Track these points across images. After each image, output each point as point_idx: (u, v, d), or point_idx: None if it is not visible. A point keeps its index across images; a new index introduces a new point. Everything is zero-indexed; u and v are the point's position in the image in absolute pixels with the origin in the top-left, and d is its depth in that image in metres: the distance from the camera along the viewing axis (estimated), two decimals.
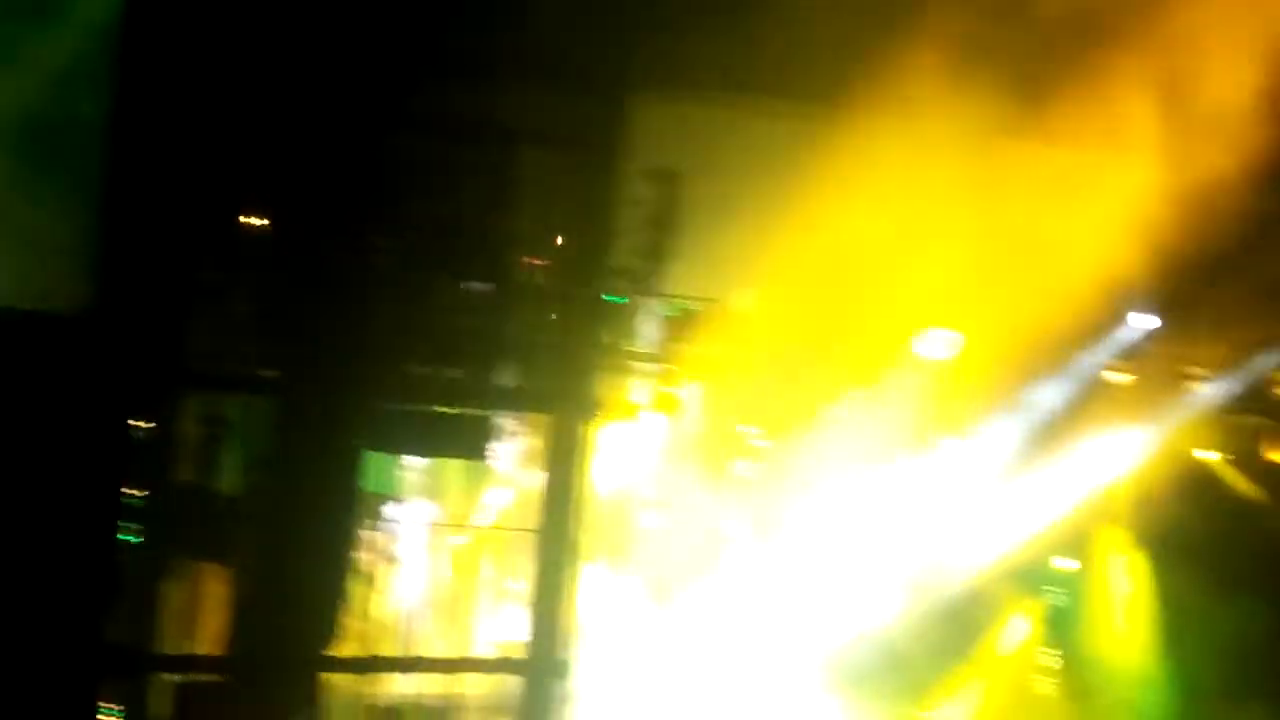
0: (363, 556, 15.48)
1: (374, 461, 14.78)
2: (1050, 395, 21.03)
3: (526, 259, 15.06)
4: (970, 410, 20.75)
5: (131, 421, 13.17)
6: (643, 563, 21.65)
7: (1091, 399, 21.09)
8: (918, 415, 20.92)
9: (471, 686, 15.28)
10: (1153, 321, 20.76)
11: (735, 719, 21.58)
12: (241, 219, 13.91)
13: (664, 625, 22.39)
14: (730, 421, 20.61)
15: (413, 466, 15.19)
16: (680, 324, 18.08)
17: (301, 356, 13.70)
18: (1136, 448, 21.71)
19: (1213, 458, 22.01)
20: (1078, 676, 23.61)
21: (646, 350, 18.13)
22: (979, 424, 21.46)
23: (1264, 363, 20.78)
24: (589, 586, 15.16)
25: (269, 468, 13.71)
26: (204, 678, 13.96)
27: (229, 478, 14.08)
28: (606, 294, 16.26)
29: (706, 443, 21.17)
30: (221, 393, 14.23)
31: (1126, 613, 22.97)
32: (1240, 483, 22.20)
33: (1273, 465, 21.09)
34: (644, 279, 17.66)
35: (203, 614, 14.70)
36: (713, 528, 22.05)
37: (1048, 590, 24.27)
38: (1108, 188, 18.10)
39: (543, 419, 14.87)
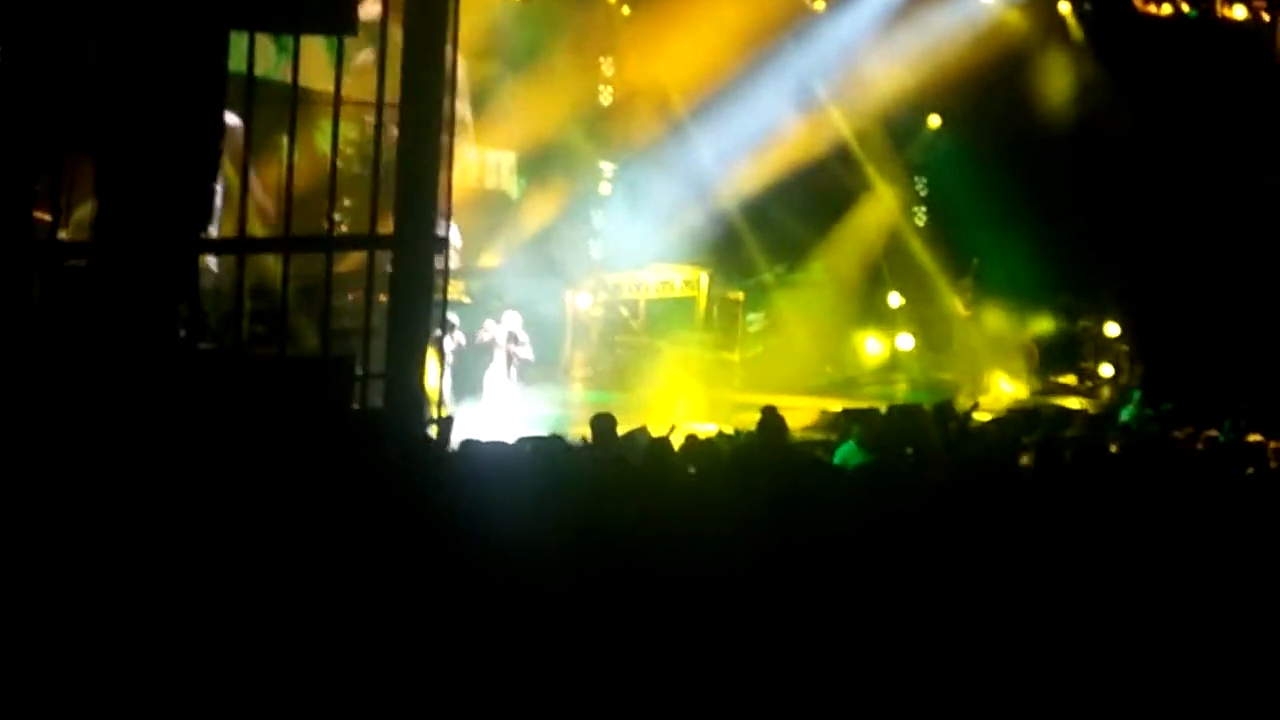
0: (232, 141, 15.29)
1: (238, 40, 14.47)
2: None
3: None
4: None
5: None
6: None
7: None
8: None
9: (345, 264, 15.25)
10: None
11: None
12: None
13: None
14: None
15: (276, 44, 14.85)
16: None
17: None
18: None
19: None
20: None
21: None
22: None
23: None
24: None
25: (129, 48, 13.38)
26: (79, 263, 13.88)
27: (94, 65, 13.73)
28: None
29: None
30: None
31: None
32: None
33: None
34: None
35: (74, 203, 14.63)
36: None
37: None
38: None
39: None
